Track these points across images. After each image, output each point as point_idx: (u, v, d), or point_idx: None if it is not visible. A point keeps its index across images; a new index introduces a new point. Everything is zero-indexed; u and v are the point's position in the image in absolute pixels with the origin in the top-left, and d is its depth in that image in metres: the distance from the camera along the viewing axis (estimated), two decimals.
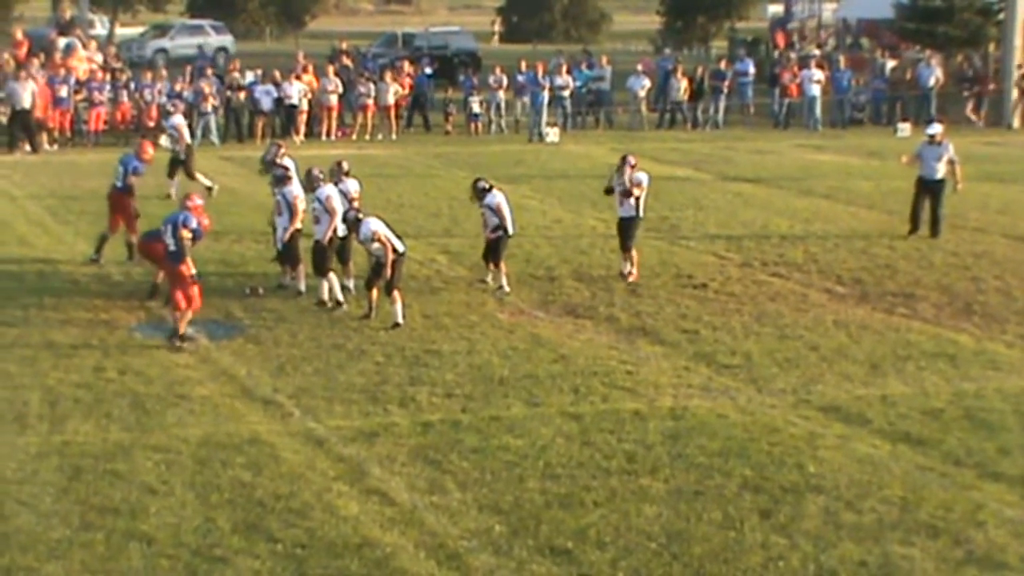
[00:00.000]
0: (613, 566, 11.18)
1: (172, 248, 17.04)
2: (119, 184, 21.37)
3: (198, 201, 17.80)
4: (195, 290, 17.03)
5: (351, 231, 18.39)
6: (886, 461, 13.58)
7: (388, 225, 18.34)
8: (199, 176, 27.29)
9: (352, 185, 19.81)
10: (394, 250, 17.90)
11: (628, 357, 17.02)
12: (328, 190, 18.96)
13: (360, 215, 18.36)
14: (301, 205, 19.15)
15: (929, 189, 24.61)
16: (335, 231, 18.73)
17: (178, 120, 28.21)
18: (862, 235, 24.82)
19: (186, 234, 16.94)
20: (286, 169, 19.81)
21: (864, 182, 30.84)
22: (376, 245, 17.91)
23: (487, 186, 19.95)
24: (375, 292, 18.22)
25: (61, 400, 14.97)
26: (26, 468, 12.97)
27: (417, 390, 15.53)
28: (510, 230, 19.99)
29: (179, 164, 27.31)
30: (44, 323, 17.47)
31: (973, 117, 42.49)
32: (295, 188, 19.27)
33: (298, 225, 19.21)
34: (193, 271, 17.05)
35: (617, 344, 17.62)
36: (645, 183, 20.85)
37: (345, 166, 20.11)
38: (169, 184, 26.95)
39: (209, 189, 26.62)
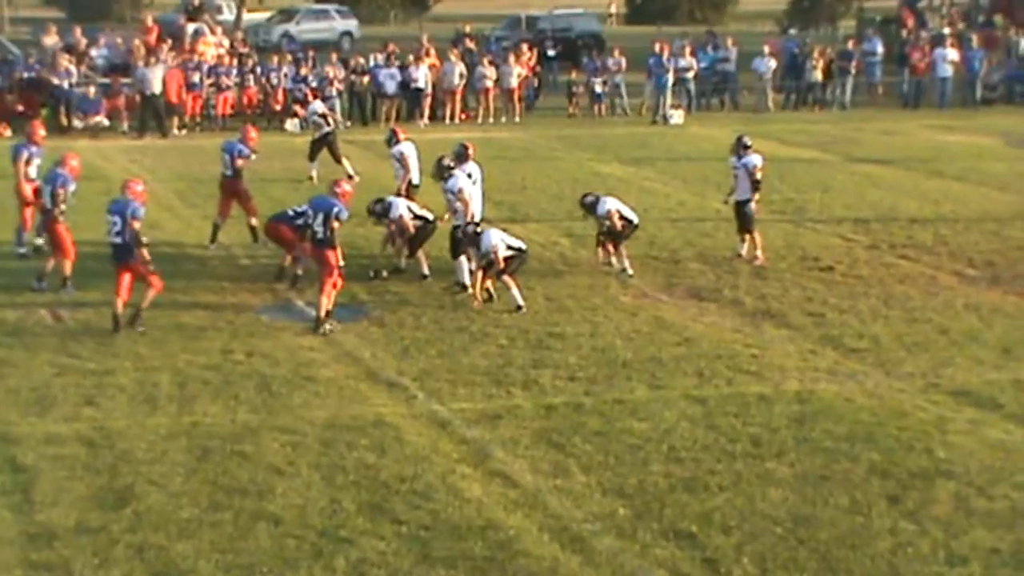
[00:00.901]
0: (738, 550, 11.08)
1: (321, 236, 17.17)
2: (228, 172, 21.60)
3: (347, 187, 18.04)
4: (336, 275, 17.14)
5: (471, 244, 18.33)
6: (1019, 446, 13.32)
7: (506, 232, 18.48)
8: (345, 162, 27.66)
9: (473, 168, 19.82)
10: (506, 259, 17.92)
11: (753, 340, 16.87)
12: (459, 182, 19.00)
13: (479, 229, 18.33)
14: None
15: None
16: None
17: (319, 106, 28.73)
18: (994, 217, 24.32)
19: (337, 224, 17.09)
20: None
21: (996, 163, 30.22)
22: (492, 256, 17.93)
23: (593, 199, 19.89)
24: (489, 281, 18.25)
25: (190, 382, 15.19)
26: (156, 449, 13.18)
27: (540, 373, 15.53)
28: (635, 221, 19.94)
29: (321, 146, 27.62)
30: (173, 305, 17.74)
31: None
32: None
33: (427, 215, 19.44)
34: (341, 261, 17.24)
35: (742, 327, 17.47)
36: (760, 164, 20.67)
37: (469, 150, 20.15)
38: (310, 167, 27.37)
39: (350, 177, 26.91)
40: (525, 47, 42.06)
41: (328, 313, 17.14)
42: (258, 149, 22.17)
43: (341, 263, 17.15)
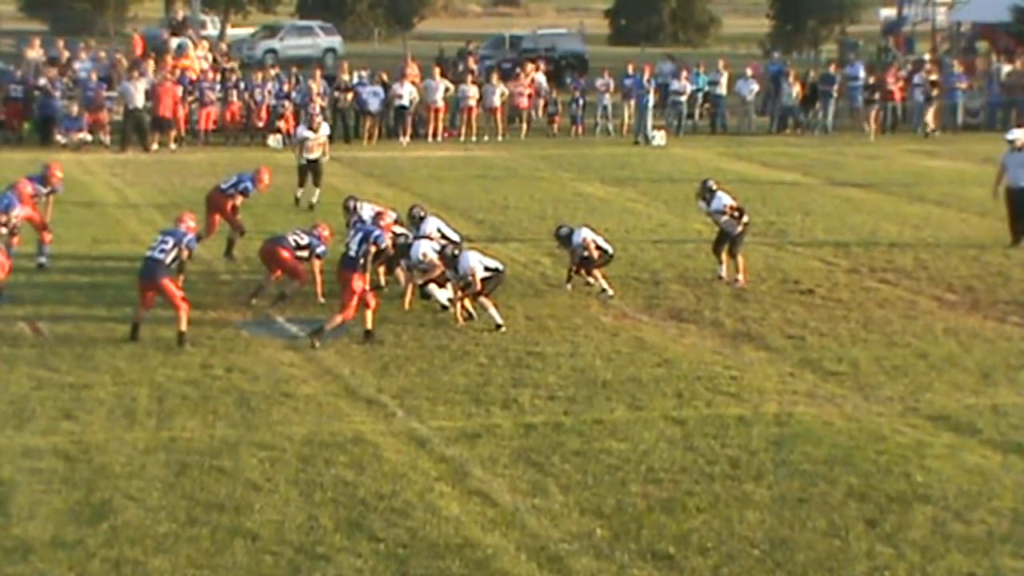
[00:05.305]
0: (715, 572, 11.08)
1: (352, 255, 17.39)
2: (223, 187, 21.73)
3: (389, 220, 18.57)
4: (355, 300, 17.20)
5: (448, 267, 18.31)
6: (996, 472, 13.35)
7: (482, 254, 18.52)
8: (315, 191, 27.42)
9: (433, 224, 19.76)
10: (483, 280, 17.93)
11: (733, 362, 16.89)
12: (429, 225, 19.33)
13: (457, 252, 18.34)
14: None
15: (1016, 197, 24.13)
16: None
17: (303, 132, 28.36)
18: (974, 242, 24.43)
19: (372, 248, 17.39)
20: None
21: (977, 188, 30.24)
22: (470, 279, 17.95)
23: (568, 231, 19.86)
24: (466, 300, 18.25)
25: (169, 396, 15.16)
26: (134, 463, 13.14)
27: (520, 392, 15.53)
28: (610, 251, 19.93)
29: (308, 172, 27.04)
30: (153, 320, 17.68)
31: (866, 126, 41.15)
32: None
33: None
34: (366, 284, 17.48)
35: (722, 349, 17.50)
36: (730, 202, 20.74)
37: (419, 212, 20.17)
38: (298, 190, 26.94)
39: (311, 207, 26.69)
40: (531, 66, 41.99)
41: (320, 331, 17.15)
42: (263, 193, 22.48)
43: (364, 288, 17.30)
